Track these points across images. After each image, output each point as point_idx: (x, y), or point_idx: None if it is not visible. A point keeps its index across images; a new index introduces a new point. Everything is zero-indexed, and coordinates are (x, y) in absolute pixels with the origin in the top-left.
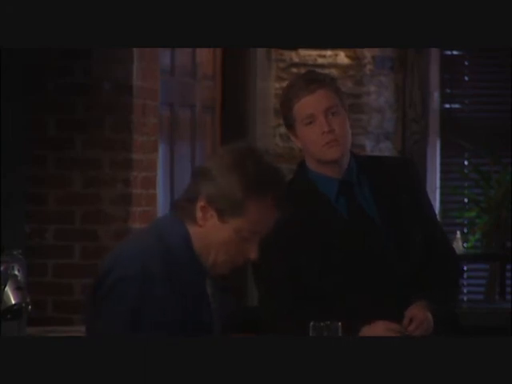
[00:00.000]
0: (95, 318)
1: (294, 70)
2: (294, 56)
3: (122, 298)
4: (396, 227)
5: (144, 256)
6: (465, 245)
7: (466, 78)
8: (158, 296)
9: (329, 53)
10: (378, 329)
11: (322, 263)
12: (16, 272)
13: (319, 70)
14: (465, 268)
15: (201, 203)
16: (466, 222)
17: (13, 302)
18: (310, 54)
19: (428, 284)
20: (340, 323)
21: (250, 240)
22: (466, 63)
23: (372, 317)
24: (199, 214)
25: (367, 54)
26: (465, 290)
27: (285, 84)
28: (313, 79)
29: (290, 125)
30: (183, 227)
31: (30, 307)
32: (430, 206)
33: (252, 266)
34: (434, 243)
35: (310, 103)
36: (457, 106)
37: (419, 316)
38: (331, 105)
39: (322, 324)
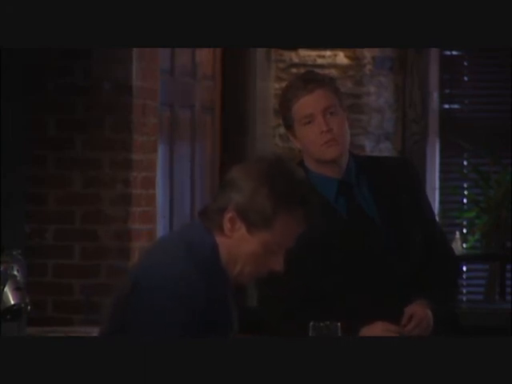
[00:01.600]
0: (120, 326)
1: (294, 70)
2: (294, 56)
3: (172, 315)
4: (396, 227)
5: (185, 274)
6: (464, 245)
7: (466, 79)
8: (194, 307)
9: (328, 53)
10: (377, 329)
11: (322, 264)
12: (15, 272)
13: (319, 71)
14: (464, 268)
15: (229, 214)
16: (465, 223)
17: (12, 302)
18: (309, 55)
19: (428, 284)
20: (339, 323)
21: (276, 253)
22: (466, 63)
23: (372, 317)
24: (227, 225)
25: (367, 54)
26: (464, 291)
27: (284, 84)
28: (311, 79)
29: (289, 125)
30: (211, 237)
31: (29, 307)
32: (429, 207)
33: None
34: (433, 243)
35: (308, 103)
36: (456, 106)
37: (419, 313)
38: (330, 104)
39: (321, 324)
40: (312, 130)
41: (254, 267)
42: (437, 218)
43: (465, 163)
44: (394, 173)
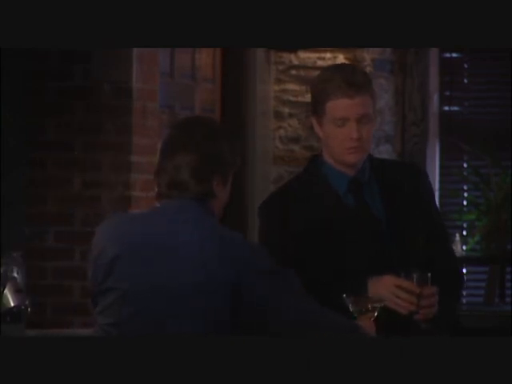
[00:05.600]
0: None
1: (294, 72)
2: (294, 58)
3: None
4: (401, 231)
5: None
6: (464, 247)
7: (466, 81)
8: None
9: (328, 55)
10: (387, 283)
11: (324, 257)
12: (15, 274)
13: (318, 73)
14: (464, 270)
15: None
16: (465, 225)
17: (12, 304)
18: (309, 57)
19: None
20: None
21: None
22: (466, 66)
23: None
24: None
25: (366, 56)
26: (464, 293)
27: (284, 86)
28: (354, 83)
29: (318, 115)
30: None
31: (29, 310)
32: (438, 217)
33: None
34: (438, 255)
35: (345, 107)
36: (456, 108)
37: (431, 289)
38: (365, 113)
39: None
40: (342, 133)
41: None
42: (446, 230)
43: (465, 165)
44: (405, 178)
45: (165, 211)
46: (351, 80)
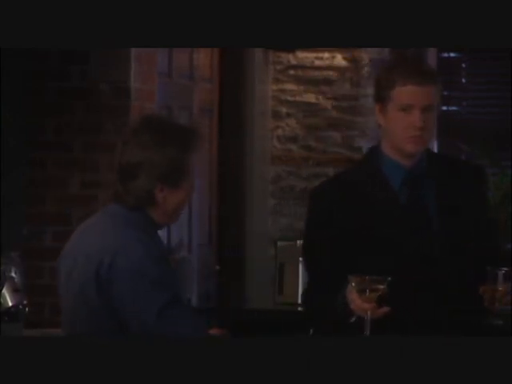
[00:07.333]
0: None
1: (292, 72)
2: (292, 58)
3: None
4: (452, 231)
5: None
6: None
7: (464, 81)
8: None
9: (326, 55)
10: None
11: (371, 251)
12: (13, 274)
13: (316, 72)
14: None
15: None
16: None
17: (10, 304)
18: (307, 56)
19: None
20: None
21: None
22: (464, 65)
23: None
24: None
25: (364, 56)
26: None
27: (282, 86)
28: (425, 72)
29: (383, 100)
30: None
31: (27, 309)
32: (494, 223)
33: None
34: (484, 262)
35: (414, 94)
36: (454, 108)
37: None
38: (432, 103)
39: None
40: (406, 120)
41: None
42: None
43: None
44: (465, 178)
45: (97, 220)
46: (421, 68)
